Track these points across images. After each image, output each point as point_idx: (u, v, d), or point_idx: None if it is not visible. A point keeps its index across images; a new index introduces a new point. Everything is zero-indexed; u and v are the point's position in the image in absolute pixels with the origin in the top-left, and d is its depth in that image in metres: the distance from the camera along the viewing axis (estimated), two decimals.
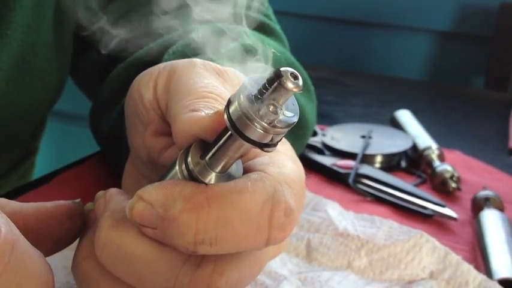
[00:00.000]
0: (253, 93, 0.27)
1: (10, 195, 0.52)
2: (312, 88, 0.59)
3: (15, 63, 0.55)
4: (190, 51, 0.50)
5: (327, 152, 0.68)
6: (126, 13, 0.61)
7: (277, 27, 0.62)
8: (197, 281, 0.29)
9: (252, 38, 0.51)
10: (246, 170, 0.31)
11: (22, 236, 0.28)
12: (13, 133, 0.61)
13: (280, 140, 0.29)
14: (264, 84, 0.27)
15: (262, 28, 0.59)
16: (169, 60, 0.47)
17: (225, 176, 0.30)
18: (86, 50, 0.66)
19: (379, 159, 0.67)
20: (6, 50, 0.53)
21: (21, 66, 0.56)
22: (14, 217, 0.29)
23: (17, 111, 0.58)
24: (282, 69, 0.26)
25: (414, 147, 0.69)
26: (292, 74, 0.26)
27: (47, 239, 0.33)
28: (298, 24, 1.51)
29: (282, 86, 0.26)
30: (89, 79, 0.68)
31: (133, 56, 0.55)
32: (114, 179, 0.45)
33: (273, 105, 0.27)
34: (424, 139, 0.70)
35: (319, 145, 0.69)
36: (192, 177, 0.30)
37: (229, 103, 0.28)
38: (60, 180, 0.56)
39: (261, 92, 0.27)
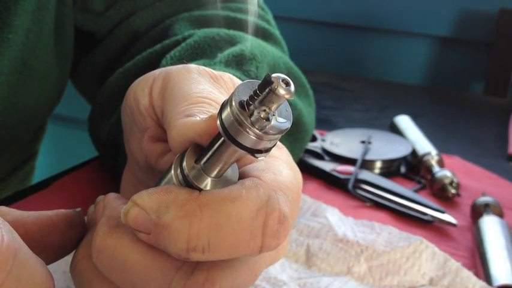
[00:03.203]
0: (245, 99, 0.27)
1: (10, 200, 0.52)
2: (310, 92, 0.59)
3: (16, 67, 0.55)
4: (188, 57, 0.50)
5: (326, 158, 0.68)
6: (127, 17, 0.62)
7: (276, 32, 0.62)
8: None
9: (251, 43, 0.51)
10: (242, 176, 0.31)
11: (24, 244, 0.29)
12: (13, 137, 0.61)
13: (274, 146, 0.29)
14: (256, 90, 0.27)
15: (261, 33, 0.59)
16: (167, 65, 0.47)
17: (221, 180, 0.30)
18: (86, 54, 0.66)
19: (378, 164, 0.67)
20: (7, 54, 0.53)
21: (22, 70, 0.56)
22: (14, 225, 0.30)
23: (17, 114, 0.58)
24: (273, 75, 0.26)
25: (414, 152, 0.69)
26: (283, 80, 0.26)
27: (47, 247, 0.33)
28: (298, 29, 1.51)
29: (273, 92, 0.26)
30: (89, 83, 0.68)
31: (131, 61, 0.55)
32: (114, 184, 0.45)
33: (265, 111, 0.27)
34: (423, 145, 0.70)
35: (318, 150, 0.69)
36: (187, 182, 0.30)
37: (222, 108, 0.28)
38: (60, 185, 0.56)
39: (253, 98, 0.27)
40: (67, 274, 0.42)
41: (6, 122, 0.57)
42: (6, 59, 0.54)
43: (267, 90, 0.26)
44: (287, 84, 0.26)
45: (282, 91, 0.26)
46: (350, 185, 0.61)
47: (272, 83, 0.26)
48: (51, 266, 0.43)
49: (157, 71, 0.38)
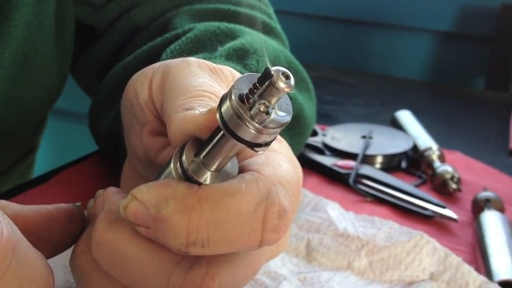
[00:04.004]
0: (245, 93, 0.27)
1: (10, 194, 0.52)
2: (311, 87, 0.59)
3: (16, 61, 0.55)
4: (188, 50, 0.50)
5: (327, 152, 0.68)
6: (127, 10, 0.61)
7: (277, 26, 0.62)
8: (189, 284, 0.29)
9: (252, 37, 0.51)
10: (242, 170, 0.31)
11: (24, 238, 0.28)
12: (14, 130, 0.61)
13: (274, 140, 0.28)
14: (255, 83, 0.26)
15: (262, 27, 0.59)
16: (167, 59, 0.47)
17: (220, 174, 0.30)
18: (87, 48, 0.65)
19: (379, 159, 0.67)
20: (7, 48, 0.53)
21: (22, 64, 0.56)
22: (14, 219, 0.29)
23: (17, 108, 0.58)
24: (273, 68, 0.26)
25: (415, 147, 0.69)
26: (283, 73, 0.26)
27: (47, 241, 0.33)
28: (299, 24, 1.51)
29: (273, 85, 0.26)
30: (89, 77, 0.68)
31: (131, 55, 0.54)
32: (114, 178, 0.45)
33: (265, 105, 0.26)
34: (424, 140, 0.70)
35: (319, 145, 0.68)
36: (187, 176, 0.30)
37: (221, 102, 0.28)
38: (60, 178, 0.56)
39: (252, 91, 0.26)
40: (66, 268, 0.42)
41: (6, 115, 0.57)
42: (6, 53, 0.53)
43: (266, 83, 0.26)
44: (287, 77, 0.26)
45: (281, 84, 0.26)
46: (351, 180, 0.61)
47: (272, 76, 0.26)
48: (50, 260, 0.43)
49: (156, 65, 0.38)
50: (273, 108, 0.27)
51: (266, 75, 0.26)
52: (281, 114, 0.27)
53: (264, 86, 0.26)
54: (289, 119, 0.28)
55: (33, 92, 0.59)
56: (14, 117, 0.59)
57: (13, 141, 0.64)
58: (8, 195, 0.52)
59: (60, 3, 0.58)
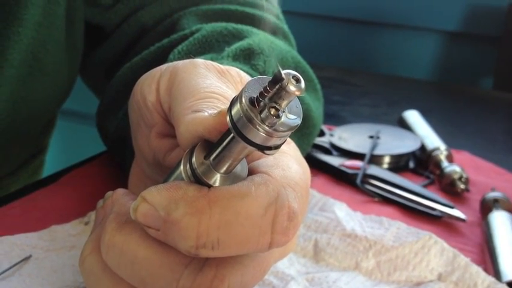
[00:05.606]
0: (255, 96, 0.27)
1: (18, 194, 0.52)
2: (318, 87, 0.59)
3: (26, 61, 0.55)
4: (195, 51, 0.50)
5: (334, 152, 0.67)
6: (135, 11, 0.62)
7: (284, 26, 0.62)
8: (198, 286, 0.29)
9: (259, 37, 0.51)
10: (251, 171, 0.31)
11: None
12: (23, 130, 0.61)
13: (284, 142, 0.28)
14: (266, 86, 0.26)
15: (269, 27, 0.59)
16: (175, 60, 0.47)
17: (230, 176, 0.30)
18: (95, 48, 0.66)
19: (387, 159, 0.67)
20: (17, 47, 0.54)
21: (32, 64, 0.56)
22: None
23: (27, 108, 0.58)
24: (284, 72, 0.26)
25: (422, 147, 0.69)
26: (294, 76, 0.26)
27: None
28: (306, 24, 1.51)
29: (283, 89, 0.26)
30: (97, 77, 0.69)
31: (139, 56, 0.55)
32: (122, 178, 0.45)
33: (275, 108, 0.26)
34: (432, 140, 0.70)
35: (326, 145, 0.68)
36: (196, 178, 0.30)
37: (231, 104, 0.28)
38: (68, 179, 0.56)
39: (263, 94, 0.27)
40: (75, 268, 0.42)
41: (16, 115, 0.57)
42: (16, 52, 0.54)
43: (277, 87, 0.26)
44: (297, 81, 0.26)
45: (292, 88, 0.26)
46: (358, 180, 0.61)
47: (282, 79, 0.26)
48: (59, 261, 0.44)
49: (163, 66, 0.38)
50: (283, 112, 0.27)
51: (277, 79, 0.26)
52: (291, 117, 0.27)
53: (274, 89, 0.26)
54: (300, 122, 0.28)
55: (43, 92, 0.59)
56: (23, 117, 0.59)
57: (22, 140, 0.64)
58: (16, 196, 0.52)
59: (70, 4, 0.58)
